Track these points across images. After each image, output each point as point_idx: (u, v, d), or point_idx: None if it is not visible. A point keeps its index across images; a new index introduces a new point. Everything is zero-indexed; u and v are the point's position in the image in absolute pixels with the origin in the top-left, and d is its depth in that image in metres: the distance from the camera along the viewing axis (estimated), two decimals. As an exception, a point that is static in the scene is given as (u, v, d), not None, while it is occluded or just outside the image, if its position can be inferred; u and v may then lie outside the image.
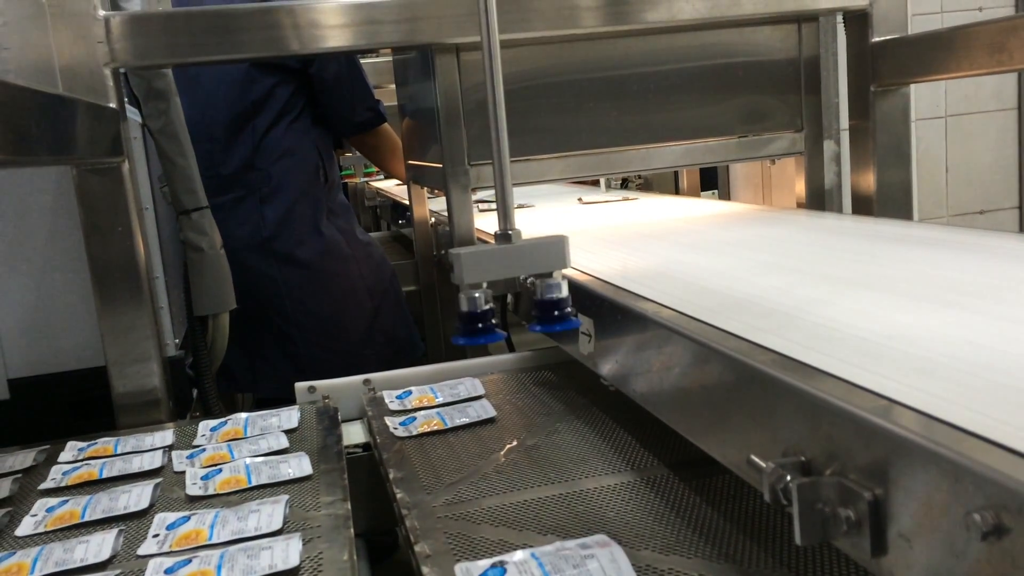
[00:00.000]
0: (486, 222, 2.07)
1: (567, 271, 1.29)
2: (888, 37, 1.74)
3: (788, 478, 0.65)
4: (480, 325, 1.04)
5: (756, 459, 0.69)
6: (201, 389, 1.77)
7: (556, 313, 1.07)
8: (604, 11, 1.66)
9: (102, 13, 1.44)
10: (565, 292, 1.07)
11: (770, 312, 0.94)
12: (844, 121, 1.86)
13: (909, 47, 1.70)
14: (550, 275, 1.07)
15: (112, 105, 1.45)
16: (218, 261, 1.78)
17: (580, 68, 1.76)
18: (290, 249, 2.22)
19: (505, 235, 1.06)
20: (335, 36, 1.59)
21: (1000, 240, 1.24)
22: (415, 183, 2.28)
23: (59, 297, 1.49)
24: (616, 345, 1.10)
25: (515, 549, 0.87)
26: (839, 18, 1.86)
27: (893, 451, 0.57)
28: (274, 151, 2.21)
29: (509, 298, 1.60)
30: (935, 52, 1.60)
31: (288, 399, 1.46)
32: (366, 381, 1.49)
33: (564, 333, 1.28)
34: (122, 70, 1.51)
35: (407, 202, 2.46)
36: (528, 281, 1.48)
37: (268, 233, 2.21)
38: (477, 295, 1.04)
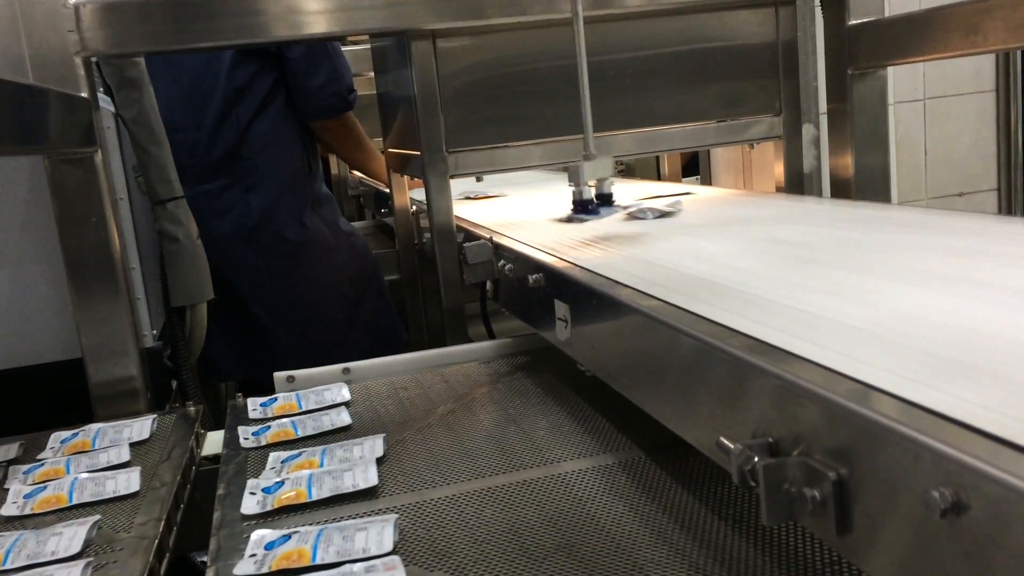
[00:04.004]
0: (467, 210, 2.06)
1: (545, 257, 1.30)
2: (864, 20, 1.74)
3: (755, 459, 0.65)
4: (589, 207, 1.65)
5: (725, 440, 0.69)
6: (180, 380, 1.76)
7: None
8: (582, -4, 1.65)
9: (72, 1, 1.43)
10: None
11: (743, 295, 0.94)
12: (824, 104, 1.86)
13: (885, 30, 1.70)
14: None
15: (84, 95, 1.44)
16: (195, 251, 1.77)
17: (559, 54, 1.75)
18: (274, 239, 2.21)
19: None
20: (313, 22, 1.58)
21: (979, 222, 1.24)
22: (396, 172, 2.27)
23: (34, 289, 1.48)
24: (593, 331, 1.10)
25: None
26: (816, 1, 1.85)
27: (856, 431, 0.57)
28: (260, 140, 2.20)
29: (488, 285, 1.60)
30: (910, 34, 1.60)
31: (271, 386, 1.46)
32: (345, 370, 1.48)
33: (542, 320, 1.28)
34: (94, 59, 1.50)
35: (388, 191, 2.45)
36: (506, 268, 1.48)
37: (253, 223, 2.20)
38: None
